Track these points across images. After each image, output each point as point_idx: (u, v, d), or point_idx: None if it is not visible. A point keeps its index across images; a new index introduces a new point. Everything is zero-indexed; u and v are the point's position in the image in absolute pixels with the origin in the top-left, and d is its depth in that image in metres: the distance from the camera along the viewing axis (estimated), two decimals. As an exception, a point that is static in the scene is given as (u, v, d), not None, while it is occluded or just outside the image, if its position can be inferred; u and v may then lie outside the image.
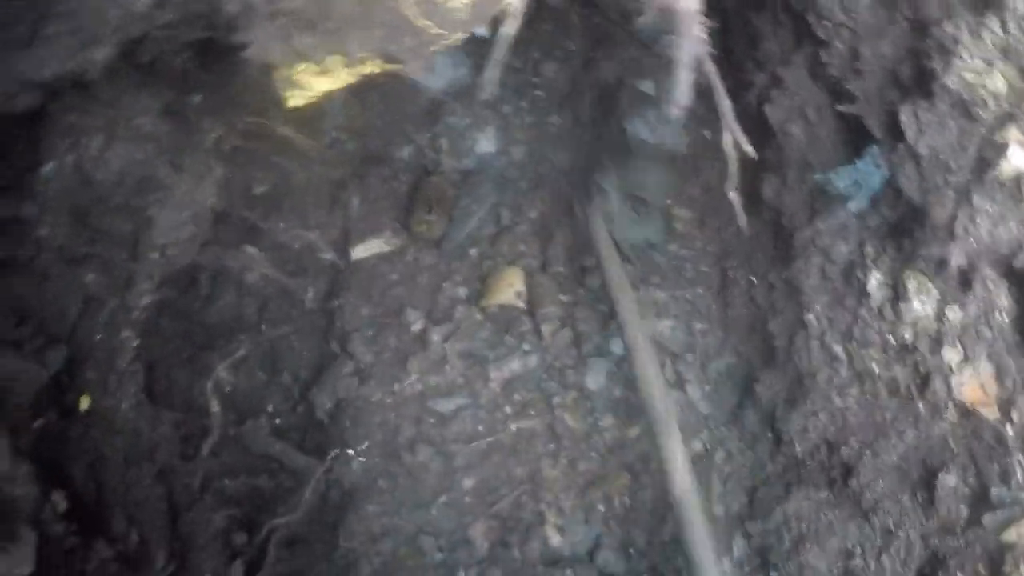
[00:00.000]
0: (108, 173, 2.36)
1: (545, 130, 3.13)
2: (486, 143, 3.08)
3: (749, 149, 2.19)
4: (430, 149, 3.09)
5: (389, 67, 1.89)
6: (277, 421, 2.88)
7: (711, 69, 2.22)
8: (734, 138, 2.16)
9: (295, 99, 1.97)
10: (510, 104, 3.11)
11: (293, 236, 2.90)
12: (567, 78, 3.20)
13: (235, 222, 2.74)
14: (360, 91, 3.04)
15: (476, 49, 3.11)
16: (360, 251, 2.96)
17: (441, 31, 1.85)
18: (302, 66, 1.92)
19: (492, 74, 2.94)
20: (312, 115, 3.00)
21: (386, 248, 2.97)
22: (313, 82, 1.95)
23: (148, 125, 2.39)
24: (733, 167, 2.36)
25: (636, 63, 3.10)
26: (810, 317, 2.29)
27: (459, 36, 1.87)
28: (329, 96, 2.00)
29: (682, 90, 1.84)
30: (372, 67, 1.90)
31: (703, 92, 2.55)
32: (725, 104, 2.22)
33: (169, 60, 2.29)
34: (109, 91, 2.31)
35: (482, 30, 1.88)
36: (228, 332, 2.88)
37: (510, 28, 1.96)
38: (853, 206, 2.23)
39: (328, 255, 2.97)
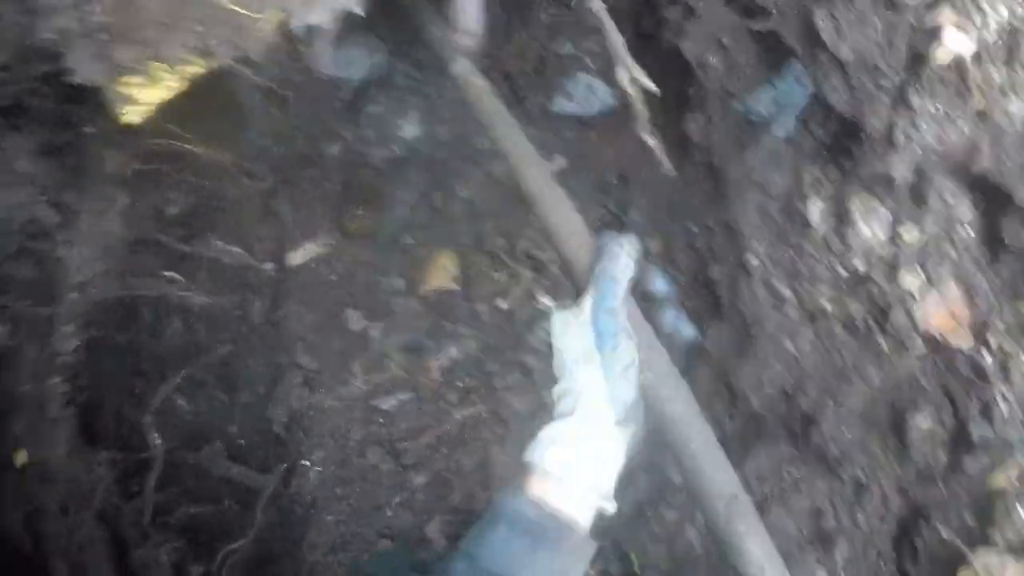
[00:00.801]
0: (-7, 222, 2.02)
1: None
2: (411, 128, 2.66)
3: (650, 84, 1.76)
4: (357, 142, 2.68)
5: (213, 64, 1.53)
6: (240, 442, 2.54)
7: (597, 5, 1.81)
8: (630, 74, 1.74)
9: (129, 115, 1.61)
10: (432, 85, 2.68)
11: (227, 253, 2.52)
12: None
13: (155, 248, 2.37)
14: (273, 90, 2.67)
15: (392, 34, 2.72)
16: (297, 257, 2.58)
17: (258, 15, 1.48)
18: (127, 79, 1.56)
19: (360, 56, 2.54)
20: (230, 127, 2.64)
21: (322, 250, 2.58)
22: (143, 94, 1.59)
23: (25, 167, 2.02)
24: (639, 107, 1.93)
25: (556, 25, 2.65)
26: (751, 258, 1.87)
27: (278, 17, 1.50)
28: (173, 105, 1.64)
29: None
30: (195, 68, 1.54)
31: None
32: (616, 41, 1.79)
33: (29, 99, 1.93)
34: (-23, 142, 1.96)
35: (321, 13, 1.52)
36: (179, 360, 2.54)
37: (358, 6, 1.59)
38: (780, 131, 1.80)
39: (267, 267, 2.59)
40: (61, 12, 1.55)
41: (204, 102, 2.45)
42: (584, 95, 2.52)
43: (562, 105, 2.55)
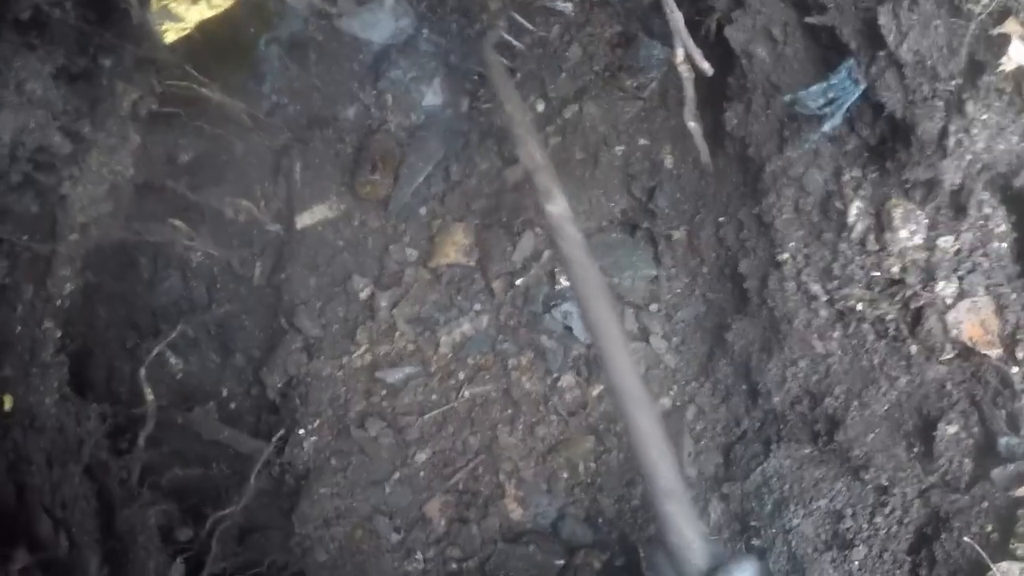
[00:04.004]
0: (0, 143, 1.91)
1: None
2: (432, 96, 2.61)
3: (705, 66, 1.75)
4: (375, 106, 2.62)
5: None
6: (231, 405, 2.48)
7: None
8: (688, 55, 1.72)
9: (170, 33, 1.55)
10: (455, 53, 2.63)
11: (234, 208, 2.44)
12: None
13: (161, 195, 2.28)
14: (294, 46, 2.60)
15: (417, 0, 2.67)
16: (305, 219, 2.51)
17: None
18: None
19: (387, 21, 2.45)
20: (247, 80, 2.56)
21: (331, 214, 2.52)
22: (186, 12, 1.53)
23: (39, 90, 1.92)
24: (689, 90, 1.91)
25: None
26: (784, 255, 1.86)
27: None
28: (208, 34, 1.59)
29: None
30: None
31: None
32: (676, 16, 1.77)
33: (51, 14, 1.84)
34: (-13, 55, 1.85)
35: None
36: (174, 315, 2.46)
37: None
38: (827, 128, 1.78)
39: (273, 226, 2.52)
40: None
41: (225, 47, 2.40)
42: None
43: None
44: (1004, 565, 1.44)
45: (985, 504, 1.49)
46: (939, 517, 1.54)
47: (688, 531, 1.15)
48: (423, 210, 2.51)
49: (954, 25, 1.57)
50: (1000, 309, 1.61)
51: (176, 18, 1.51)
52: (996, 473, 1.50)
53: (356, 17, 2.59)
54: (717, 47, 2.06)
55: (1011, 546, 1.45)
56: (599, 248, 2.28)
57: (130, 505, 2.07)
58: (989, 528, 1.49)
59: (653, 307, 2.22)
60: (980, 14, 1.54)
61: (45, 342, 2.11)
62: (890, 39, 1.61)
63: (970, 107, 1.55)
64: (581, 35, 2.42)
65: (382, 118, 2.61)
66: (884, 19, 1.61)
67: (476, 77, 2.63)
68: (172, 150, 2.36)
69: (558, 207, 1.78)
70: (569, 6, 2.46)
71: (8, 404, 2.04)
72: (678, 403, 2.10)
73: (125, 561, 2.01)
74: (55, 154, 1.99)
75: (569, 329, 2.22)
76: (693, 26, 2.19)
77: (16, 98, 1.93)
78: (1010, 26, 1.52)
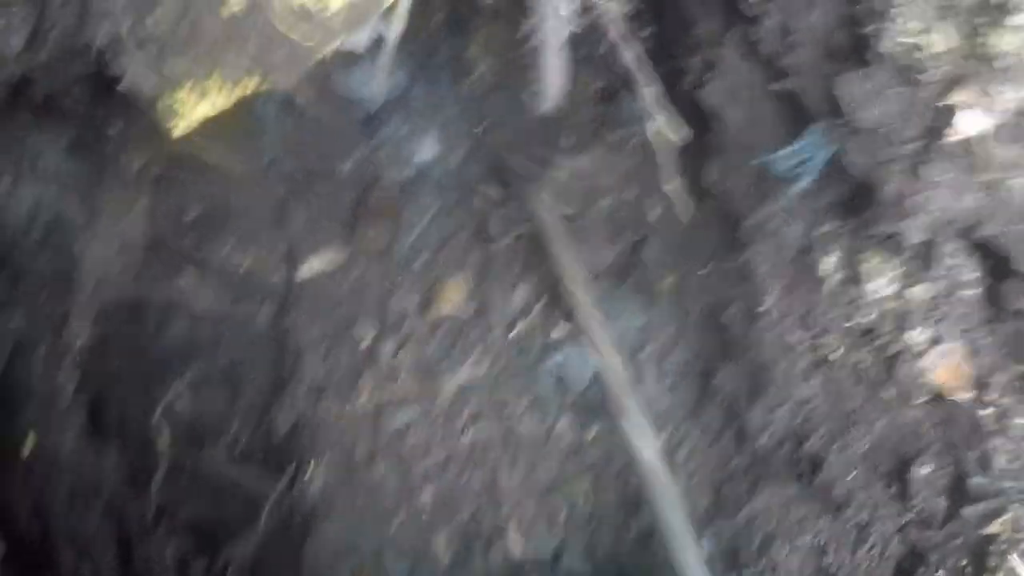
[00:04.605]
0: (18, 216, 2.03)
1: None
2: (425, 151, 2.74)
3: (680, 136, 1.87)
4: (370, 161, 2.74)
5: (265, 86, 1.58)
6: (240, 445, 2.55)
7: (630, 56, 1.91)
8: (660, 128, 1.84)
9: (178, 129, 1.64)
10: (448, 111, 2.76)
11: (236, 260, 2.55)
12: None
13: (169, 251, 2.39)
14: (289, 103, 2.71)
15: (409, 57, 2.80)
16: (307, 269, 2.62)
17: (313, 42, 1.55)
18: (178, 93, 1.60)
19: (380, 80, 2.61)
20: (244, 137, 2.67)
21: (333, 264, 2.63)
22: (192, 109, 1.63)
23: (54, 164, 2.06)
24: (665, 158, 2.04)
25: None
26: (763, 305, 1.97)
27: (333, 46, 1.56)
28: (213, 120, 1.69)
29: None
30: (248, 87, 1.59)
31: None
32: (648, 92, 1.90)
33: (62, 98, 1.96)
34: (6, 135, 1.98)
35: (357, 38, 1.59)
36: (182, 361, 2.55)
37: (395, 31, 1.66)
38: (797, 187, 1.91)
39: (275, 276, 2.63)
40: (115, 19, 1.58)
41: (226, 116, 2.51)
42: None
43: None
44: (977, 599, 1.55)
45: (959, 540, 1.59)
46: (916, 553, 1.64)
47: None
48: (420, 260, 2.63)
49: (907, 93, 1.69)
50: (971, 354, 1.72)
51: (183, 115, 1.60)
52: (968, 511, 1.60)
53: (349, 75, 2.70)
54: (693, 106, 2.20)
55: (983, 580, 1.56)
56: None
57: (147, 540, 2.17)
58: (963, 563, 1.59)
59: (643, 354, 2.34)
60: (929, 83, 1.67)
61: (63, 388, 2.23)
62: (848, 107, 1.73)
63: (927, 170, 1.67)
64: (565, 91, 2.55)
65: (377, 172, 2.73)
66: (841, 89, 1.74)
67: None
68: (178, 209, 2.47)
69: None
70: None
71: (30, 445, 2.15)
72: (671, 443, 2.20)
73: (144, 594, 2.09)
74: (69, 220, 2.11)
75: (562, 380, 2.35)
76: (671, 85, 2.33)
77: (31, 174, 2.06)
78: (956, 97, 1.65)
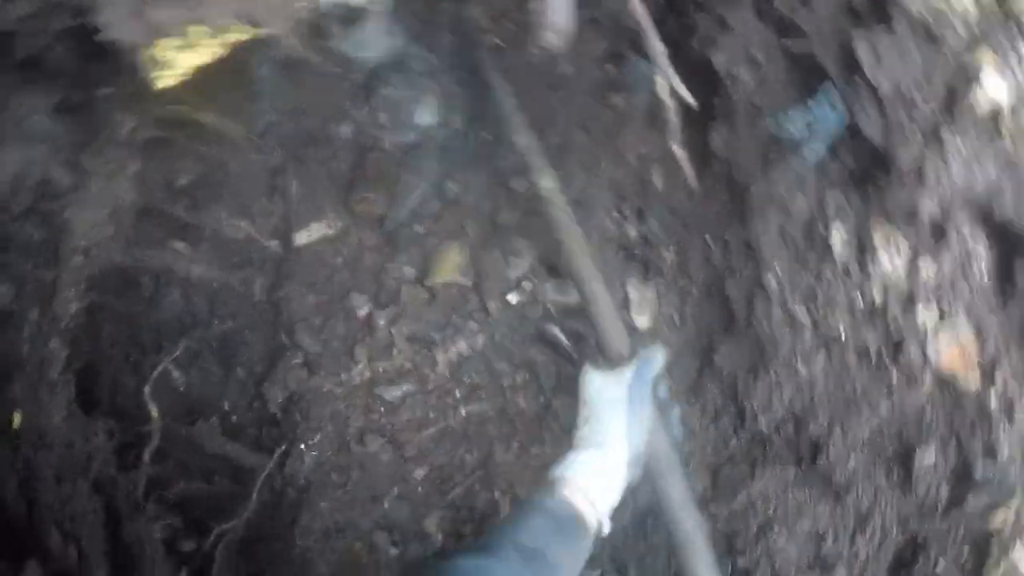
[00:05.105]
0: (3, 180, 1.99)
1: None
2: (426, 114, 2.65)
3: (690, 100, 1.78)
4: (369, 125, 2.67)
5: (255, 33, 1.52)
6: (233, 419, 2.55)
7: (638, 14, 1.82)
8: (671, 85, 1.76)
9: (163, 79, 1.60)
10: (449, 72, 2.67)
11: (231, 228, 2.51)
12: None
13: (161, 217, 2.35)
14: (287, 66, 2.64)
15: (409, 16, 2.70)
16: (303, 237, 2.57)
17: None
18: (163, 42, 1.55)
19: (378, 39, 2.53)
20: (241, 100, 2.61)
21: (329, 232, 2.58)
22: (179, 58, 1.58)
23: (40, 126, 2.00)
24: (673, 117, 1.95)
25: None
26: (769, 279, 1.89)
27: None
28: (201, 71, 1.63)
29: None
30: (237, 34, 1.53)
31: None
32: (657, 48, 1.80)
33: (47, 56, 1.90)
34: (-10, 95, 1.93)
35: None
36: (174, 332, 2.53)
37: None
38: (809, 153, 1.82)
39: (271, 244, 2.59)
40: None
41: (218, 72, 2.45)
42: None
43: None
44: (978, 591, 1.49)
45: (961, 530, 1.53)
46: (916, 542, 1.58)
47: None
48: (419, 228, 2.56)
49: (930, 54, 1.59)
50: (980, 336, 1.64)
51: (169, 65, 1.55)
52: (971, 500, 1.54)
53: (347, 37, 2.62)
54: (702, 67, 2.09)
55: (985, 572, 1.49)
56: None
57: (136, 518, 2.16)
58: (964, 554, 1.53)
59: (644, 329, 2.26)
60: (955, 44, 1.56)
61: (52, 361, 2.20)
62: (867, 67, 1.63)
63: (947, 136, 1.57)
64: (570, 54, 2.45)
65: (376, 136, 2.65)
66: (860, 47, 1.64)
67: (472, 90, 2.67)
68: (170, 174, 2.42)
69: (549, 183, 1.95)
70: (560, 23, 2.48)
71: (17, 422, 2.14)
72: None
73: (132, 572, 2.10)
74: (57, 185, 2.07)
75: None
76: (678, 45, 2.23)
77: (17, 134, 2.01)
78: (983, 57, 1.54)
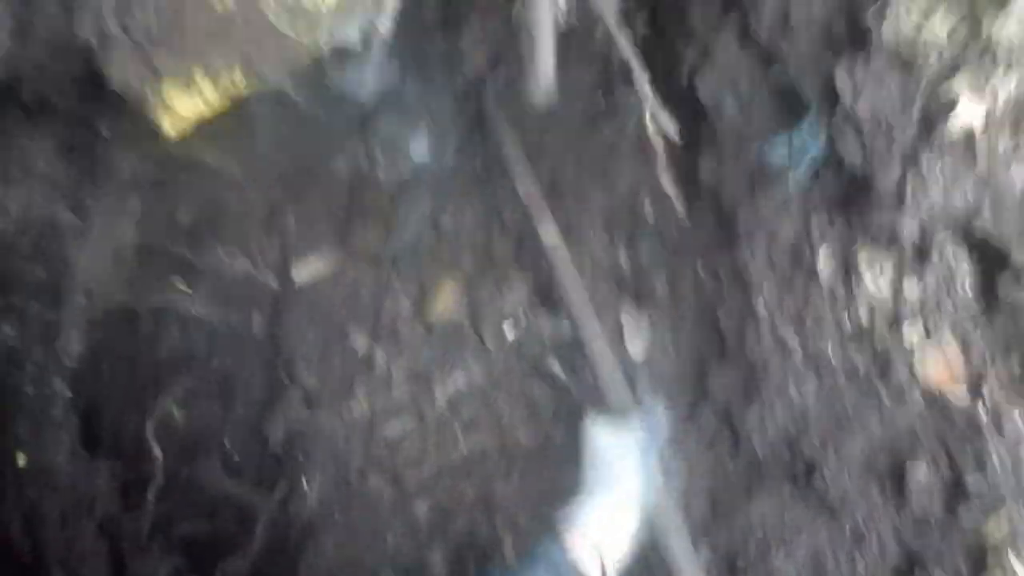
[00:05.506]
0: (8, 221, 2.05)
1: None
2: (420, 150, 2.73)
3: (671, 131, 1.85)
4: (365, 161, 2.74)
5: (255, 82, 1.58)
6: (235, 457, 2.57)
7: (624, 46, 1.90)
8: (655, 119, 1.83)
9: (168, 126, 1.65)
10: (441, 108, 2.75)
11: (231, 265, 2.57)
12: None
13: (163, 256, 2.41)
14: (284, 103, 2.72)
15: (402, 52, 2.79)
16: (301, 273, 2.63)
17: (305, 38, 1.54)
18: (167, 88, 1.61)
19: (374, 76, 2.61)
20: (239, 138, 2.68)
21: (327, 267, 2.63)
22: (182, 105, 1.63)
23: (43, 166, 2.07)
24: (660, 148, 2.02)
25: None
26: (758, 304, 1.94)
27: (325, 41, 1.56)
28: (207, 120, 1.69)
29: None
30: (238, 83, 1.59)
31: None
32: (641, 78, 1.88)
33: (53, 98, 1.97)
34: (-2, 137, 2.00)
35: (349, 33, 1.58)
36: (175, 371, 2.57)
37: (387, 24, 1.65)
38: (793, 180, 1.88)
39: (270, 280, 2.64)
40: (103, 13, 1.58)
41: (219, 115, 2.52)
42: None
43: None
44: (976, 602, 1.51)
45: (956, 542, 1.56)
46: (913, 556, 1.61)
47: None
48: (415, 262, 2.62)
49: (906, 82, 1.66)
50: (966, 351, 1.68)
51: (172, 112, 1.61)
52: (964, 512, 1.57)
53: (343, 72, 2.70)
54: (688, 97, 2.17)
55: (982, 583, 1.52)
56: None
57: (141, 559, 2.18)
58: (960, 565, 1.56)
59: (637, 357, 2.29)
60: (929, 71, 1.64)
61: (55, 401, 2.24)
62: (846, 96, 1.70)
63: (925, 161, 1.63)
64: (561, 83, 2.53)
65: (372, 172, 2.72)
66: (840, 77, 1.71)
67: (467, 128, 2.75)
68: (171, 213, 2.48)
69: (554, 240, 2.01)
70: (549, 55, 2.56)
71: (22, 462, 2.17)
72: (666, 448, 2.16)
73: (138, 612, 2.11)
74: (60, 225, 2.13)
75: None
76: (666, 76, 2.31)
77: (22, 175, 2.07)
78: (957, 84, 1.61)
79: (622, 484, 1.57)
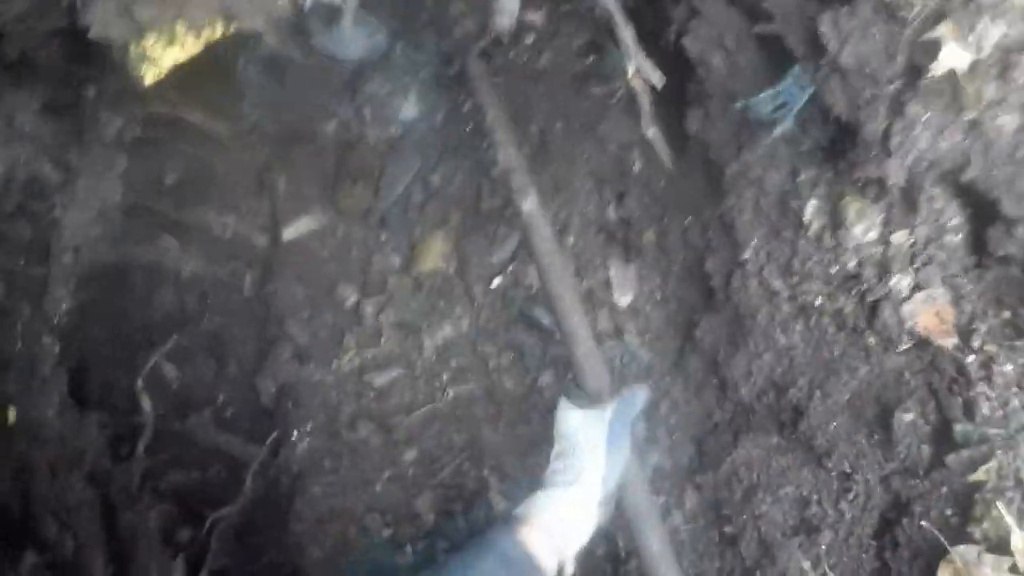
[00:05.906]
0: (-7, 178, 2.01)
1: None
2: (409, 108, 2.68)
3: (655, 79, 1.81)
4: (353, 121, 2.69)
5: (234, 29, 1.54)
6: (228, 412, 2.55)
7: (610, 3, 1.85)
8: (641, 72, 1.78)
9: (149, 75, 1.61)
10: (430, 66, 2.70)
11: (220, 224, 2.53)
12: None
13: (149, 215, 2.37)
14: (272, 65, 2.66)
15: (390, 15, 2.73)
16: (290, 232, 2.59)
17: None
18: (147, 38, 1.57)
19: (357, 36, 2.55)
20: (226, 99, 2.63)
21: (316, 226, 2.60)
22: (163, 55, 1.59)
23: (28, 124, 2.02)
24: (646, 103, 1.98)
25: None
26: (746, 253, 1.92)
27: None
28: (183, 69, 1.65)
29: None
30: (215, 32, 1.55)
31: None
32: (627, 35, 1.83)
33: (38, 55, 1.92)
34: (-20, 94, 1.95)
35: None
36: (165, 327, 2.54)
37: None
38: (779, 133, 1.85)
39: (260, 239, 2.60)
40: None
41: (204, 71, 2.46)
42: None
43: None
44: (962, 548, 1.48)
45: (943, 489, 1.54)
46: (900, 502, 1.60)
47: None
48: (404, 220, 2.59)
49: (891, 30, 1.62)
50: (956, 300, 1.66)
51: (154, 62, 1.57)
52: (952, 459, 1.55)
53: (329, 36, 2.65)
54: (677, 55, 2.13)
55: (969, 529, 1.51)
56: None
57: (132, 508, 2.17)
58: (948, 512, 1.54)
59: (626, 308, 2.28)
60: (914, 19, 1.60)
61: (44, 357, 2.22)
62: (831, 46, 1.66)
63: (910, 108, 1.60)
64: (551, 45, 2.49)
65: (360, 132, 2.68)
66: (825, 27, 1.67)
67: (454, 88, 2.70)
68: (158, 172, 2.44)
69: (531, 204, 1.92)
70: (539, 17, 2.52)
71: (12, 417, 2.14)
72: (653, 396, 2.15)
73: (129, 561, 2.10)
74: (46, 183, 2.08)
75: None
76: (654, 36, 2.27)
77: (7, 133, 2.03)
78: (942, 30, 1.58)
79: (585, 476, 1.47)
